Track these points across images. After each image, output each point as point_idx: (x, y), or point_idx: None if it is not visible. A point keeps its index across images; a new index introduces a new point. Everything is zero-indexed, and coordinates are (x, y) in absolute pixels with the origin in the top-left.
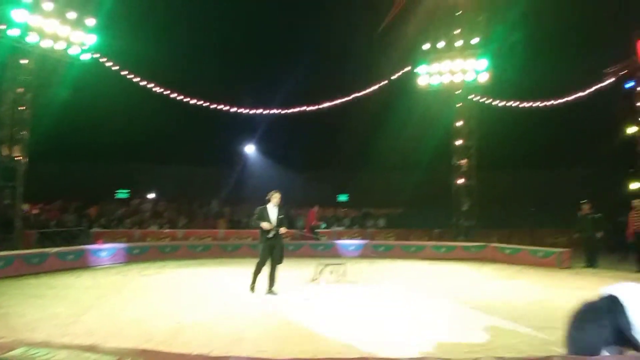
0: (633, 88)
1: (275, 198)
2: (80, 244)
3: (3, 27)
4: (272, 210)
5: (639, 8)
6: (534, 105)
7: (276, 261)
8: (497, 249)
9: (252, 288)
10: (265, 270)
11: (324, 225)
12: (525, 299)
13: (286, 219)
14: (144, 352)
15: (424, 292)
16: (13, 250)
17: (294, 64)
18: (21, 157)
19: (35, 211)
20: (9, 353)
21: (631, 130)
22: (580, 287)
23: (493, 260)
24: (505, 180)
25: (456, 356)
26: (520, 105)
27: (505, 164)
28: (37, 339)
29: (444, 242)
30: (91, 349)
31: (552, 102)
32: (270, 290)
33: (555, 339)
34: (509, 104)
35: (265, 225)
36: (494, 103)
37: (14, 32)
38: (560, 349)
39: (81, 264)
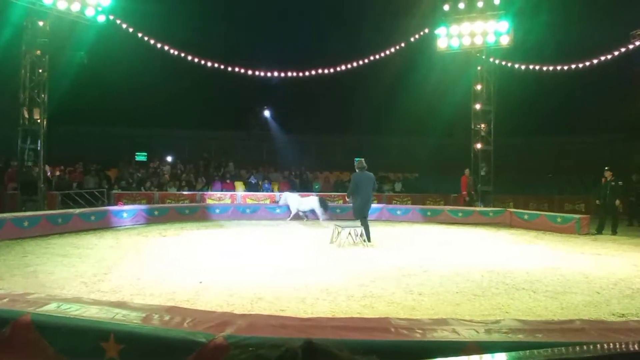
0: None
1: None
2: (101, 206)
3: None
4: None
5: None
6: (556, 68)
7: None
8: (515, 214)
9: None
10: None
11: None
12: (543, 264)
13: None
14: (172, 309)
15: (442, 255)
16: (37, 211)
17: (311, 25)
18: (41, 120)
19: (57, 173)
20: (43, 307)
21: None
22: (599, 254)
23: (510, 225)
24: (523, 145)
25: (475, 318)
26: (542, 69)
27: (523, 129)
28: (66, 295)
29: (460, 207)
30: (120, 305)
31: (575, 65)
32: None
33: (574, 304)
34: (530, 67)
35: None
36: (515, 66)
37: None
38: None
39: (103, 224)
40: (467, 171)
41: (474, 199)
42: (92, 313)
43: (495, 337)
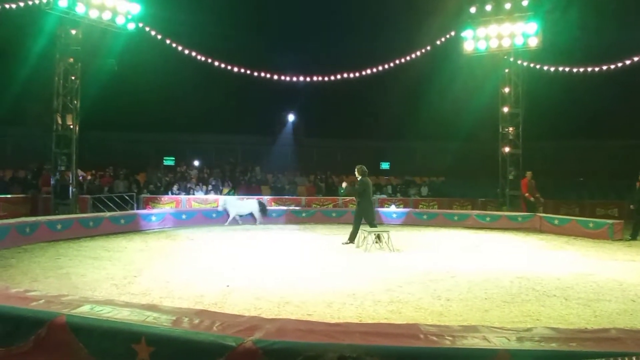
0: None
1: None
2: (130, 209)
3: None
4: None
5: None
6: (587, 70)
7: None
8: (545, 219)
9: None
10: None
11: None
12: (574, 271)
13: (353, 189)
14: (201, 312)
15: (470, 260)
16: (70, 214)
17: (336, 30)
18: (73, 126)
19: (88, 177)
20: (77, 309)
21: None
22: (633, 260)
23: (540, 230)
24: (552, 149)
25: (505, 325)
26: (572, 71)
27: (552, 133)
28: (98, 297)
29: (488, 211)
30: (151, 308)
31: (607, 66)
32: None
33: (607, 312)
34: (559, 69)
35: None
36: (544, 68)
37: (63, 3)
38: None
39: (132, 227)
40: (529, 174)
41: (538, 202)
42: (124, 315)
43: (527, 345)
